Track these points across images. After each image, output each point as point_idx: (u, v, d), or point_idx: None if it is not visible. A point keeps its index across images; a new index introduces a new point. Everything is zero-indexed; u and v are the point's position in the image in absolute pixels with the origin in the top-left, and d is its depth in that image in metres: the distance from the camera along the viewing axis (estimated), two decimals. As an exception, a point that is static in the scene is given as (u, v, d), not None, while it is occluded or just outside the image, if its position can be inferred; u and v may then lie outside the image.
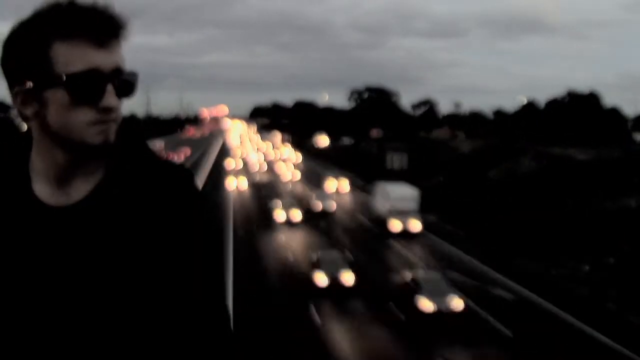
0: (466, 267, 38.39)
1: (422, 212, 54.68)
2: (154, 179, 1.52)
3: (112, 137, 1.45)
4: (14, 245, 1.47)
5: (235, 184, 69.34)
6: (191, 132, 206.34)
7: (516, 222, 45.13)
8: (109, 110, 1.43)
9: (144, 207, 1.49)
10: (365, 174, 75.55)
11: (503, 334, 27.68)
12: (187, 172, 1.58)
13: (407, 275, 32.48)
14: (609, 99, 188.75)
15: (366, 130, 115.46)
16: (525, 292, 33.28)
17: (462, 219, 49.84)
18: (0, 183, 1.51)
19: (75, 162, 1.48)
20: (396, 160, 75.82)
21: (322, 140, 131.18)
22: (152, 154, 1.58)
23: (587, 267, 37.07)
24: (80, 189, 1.49)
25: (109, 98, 1.43)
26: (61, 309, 1.45)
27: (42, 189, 1.50)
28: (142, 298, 1.47)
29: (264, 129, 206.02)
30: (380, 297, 31.45)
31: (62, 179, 1.49)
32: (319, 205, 55.90)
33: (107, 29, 1.42)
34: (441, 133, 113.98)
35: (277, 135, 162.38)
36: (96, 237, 1.46)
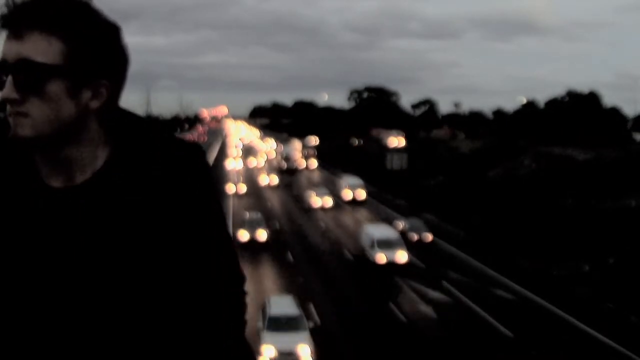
0: (466, 268, 38.39)
1: (422, 211, 54.73)
2: (162, 157, 1.51)
3: (22, 131, 1.41)
4: (18, 224, 1.46)
5: None
6: (200, 130, 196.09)
7: (516, 221, 45.11)
8: (8, 102, 1.41)
9: (150, 186, 1.48)
10: (366, 174, 75.60)
11: (504, 334, 27.69)
12: (197, 148, 1.57)
13: None
14: (608, 99, 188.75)
15: (366, 130, 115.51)
16: (526, 292, 33.28)
17: (462, 219, 49.82)
18: (7, 166, 1.51)
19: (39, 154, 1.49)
20: (396, 160, 75.75)
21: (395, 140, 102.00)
22: (160, 132, 1.56)
23: (587, 267, 37.06)
24: (86, 171, 1.48)
25: (6, 90, 1.40)
26: (63, 289, 1.44)
27: (47, 172, 1.49)
28: (149, 277, 1.46)
29: (267, 129, 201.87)
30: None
31: (63, 164, 1.48)
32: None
33: (18, 18, 1.39)
34: (441, 133, 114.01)
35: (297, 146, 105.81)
36: (100, 217, 1.46)
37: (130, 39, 1.49)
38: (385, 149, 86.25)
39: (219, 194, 1.63)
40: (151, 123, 1.58)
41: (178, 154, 1.53)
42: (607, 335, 27.19)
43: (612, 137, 75.28)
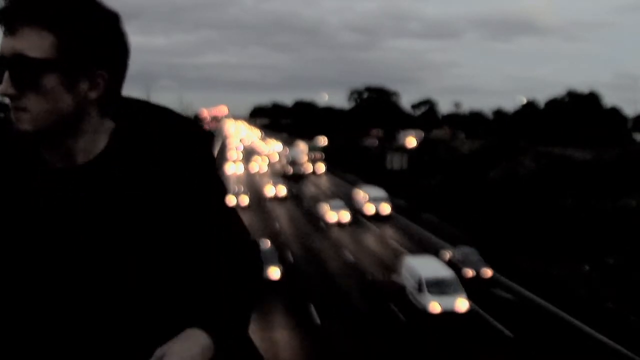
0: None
1: (423, 211, 54.69)
2: (163, 139, 1.52)
3: (22, 126, 1.42)
4: (21, 204, 1.47)
5: None
6: None
7: (516, 221, 45.11)
8: (7, 97, 1.42)
9: (150, 165, 1.49)
10: (366, 174, 75.58)
11: (504, 334, 27.68)
12: (203, 132, 1.58)
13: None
14: (608, 99, 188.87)
15: (366, 130, 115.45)
16: (526, 292, 33.26)
17: (462, 219, 49.81)
18: (10, 151, 1.51)
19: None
20: (396, 160, 75.80)
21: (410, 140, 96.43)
22: (162, 116, 1.57)
23: (587, 267, 37.06)
24: (88, 153, 1.49)
25: (4, 85, 1.41)
26: (66, 265, 1.45)
27: (50, 157, 1.49)
28: (150, 251, 1.47)
29: (267, 129, 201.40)
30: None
31: (65, 151, 1.49)
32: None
33: (11, 13, 1.40)
34: (441, 133, 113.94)
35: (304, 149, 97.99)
36: (100, 196, 1.47)
37: (130, 39, 1.49)
38: (398, 149, 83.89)
39: (220, 172, 1.65)
40: (154, 107, 1.58)
41: (179, 136, 1.54)
42: (607, 335, 27.19)
43: (612, 137, 75.22)
